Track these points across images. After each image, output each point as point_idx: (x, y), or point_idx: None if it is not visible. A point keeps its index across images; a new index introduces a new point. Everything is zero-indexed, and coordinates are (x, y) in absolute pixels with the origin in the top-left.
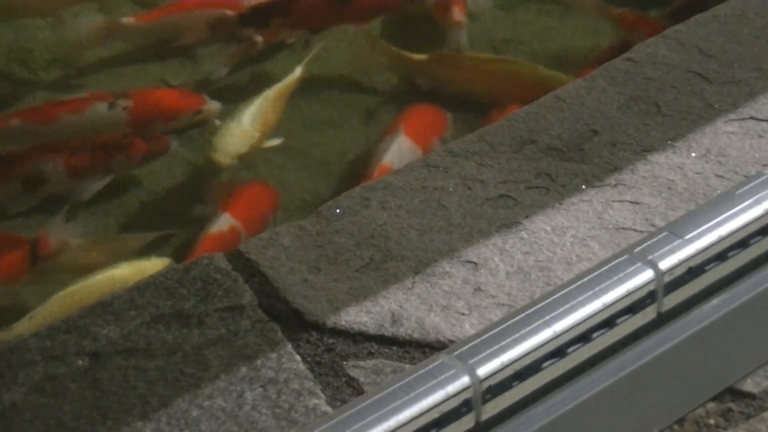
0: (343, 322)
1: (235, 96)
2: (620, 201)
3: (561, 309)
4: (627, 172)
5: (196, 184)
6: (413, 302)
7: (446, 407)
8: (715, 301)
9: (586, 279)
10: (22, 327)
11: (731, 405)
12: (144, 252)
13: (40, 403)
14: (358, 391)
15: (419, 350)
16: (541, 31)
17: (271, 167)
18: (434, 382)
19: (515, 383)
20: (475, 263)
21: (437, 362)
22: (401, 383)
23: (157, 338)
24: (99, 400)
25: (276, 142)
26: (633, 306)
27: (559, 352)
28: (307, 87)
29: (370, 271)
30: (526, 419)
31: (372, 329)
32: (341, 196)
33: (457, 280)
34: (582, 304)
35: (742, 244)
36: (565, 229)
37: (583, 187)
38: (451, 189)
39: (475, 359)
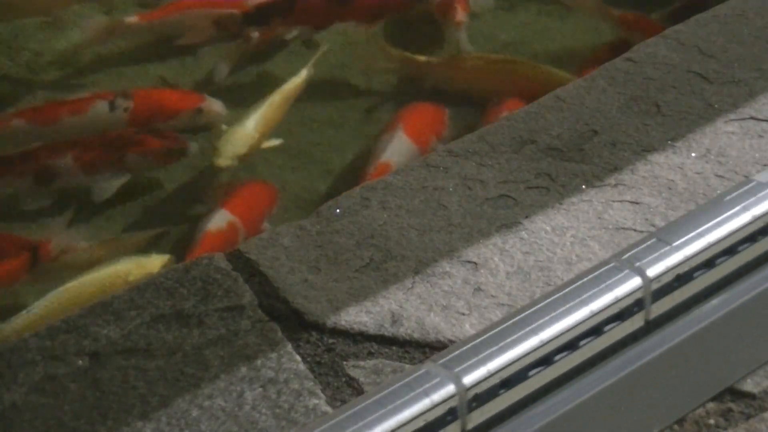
0: (343, 322)
1: (240, 97)
2: (620, 201)
3: (548, 316)
4: (627, 172)
5: (197, 185)
6: (413, 302)
7: (431, 416)
8: (704, 307)
9: (573, 286)
10: (21, 321)
11: (731, 405)
12: (144, 250)
13: (40, 403)
14: (358, 391)
15: (419, 350)
16: (542, 32)
17: (271, 167)
18: (419, 390)
19: (502, 391)
20: (475, 263)
21: (422, 371)
22: (386, 392)
23: (157, 338)
24: (99, 400)
25: (275, 143)
26: (621, 313)
27: (546, 360)
28: (307, 88)
29: (370, 271)
30: (513, 427)
31: (372, 329)
32: (341, 196)
33: (457, 280)
34: (569, 311)
35: (731, 251)
36: (565, 229)
37: (583, 187)
38: (451, 189)
39: (460, 367)
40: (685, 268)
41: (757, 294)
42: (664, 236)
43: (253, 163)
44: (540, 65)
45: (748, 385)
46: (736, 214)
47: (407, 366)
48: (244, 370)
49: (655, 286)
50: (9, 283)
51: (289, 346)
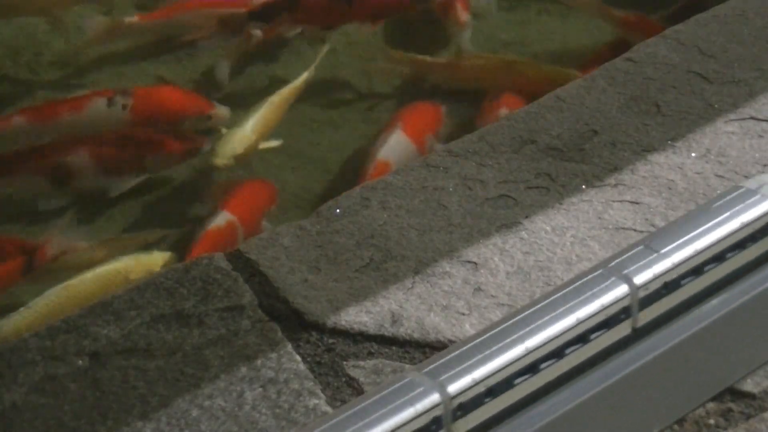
0: (343, 322)
1: (240, 98)
2: (620, 201)
3: (534, 324)
4: (627, 172)
5: (197, 185)
6: (413, 302)
7: (416, 425)
8: (693, 314)
9: (559, 294)
10: (21, 317)
11: (731, 405)
12: (144, 249)
13: (40, 403)
14: (358, 391)
15: (419, 350)
16: (542, 32)
17: (271, 167)
18: (403, 399)
19: (487, 400)
20: (475, 263)
21: (406, 380)
22: (369, 401)
23: (157, 338)
24: (99, 400)
25: (274, 143)
26: (607, 321)
27: (532, 368)
28: (307, 88)
29: (370, 271)
30: None
31: (372, 329)
32: (341, 196)
33: (457, 280)
34: (555, 319)
35: (719, 258)
36: (565, 229)
37: (583, 187)
38: (451, 189)
39: (445, 376)
40: (673, 275)
41: (754, 296)
42: (651, 243)
43: (253, 163)
44: (543, 65)
45: (748, 385)
46: (725, 221)
47: (407, 366)
48: (244, 370)
49: (642, 293)
50: (3, 286)
51: (289, 346)
